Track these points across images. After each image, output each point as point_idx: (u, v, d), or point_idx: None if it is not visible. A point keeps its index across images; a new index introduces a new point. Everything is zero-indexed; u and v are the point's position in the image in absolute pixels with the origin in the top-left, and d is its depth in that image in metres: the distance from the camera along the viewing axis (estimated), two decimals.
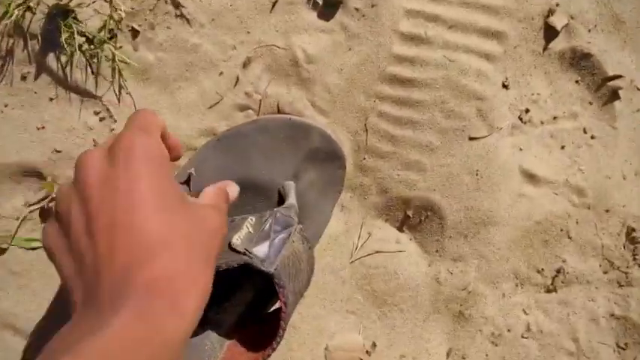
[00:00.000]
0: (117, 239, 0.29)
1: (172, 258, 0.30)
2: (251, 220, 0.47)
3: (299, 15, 0.52)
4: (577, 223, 0.56)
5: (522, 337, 0.56)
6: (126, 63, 0.51)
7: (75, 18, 0.49)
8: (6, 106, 0.51)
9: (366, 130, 0.54)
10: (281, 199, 0.51)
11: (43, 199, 0.53)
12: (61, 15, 0.49)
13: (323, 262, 0.55)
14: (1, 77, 0.51)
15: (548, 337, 0.56)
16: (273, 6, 0.52)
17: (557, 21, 0.54)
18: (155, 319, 0.28)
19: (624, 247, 0.56)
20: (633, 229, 0.56)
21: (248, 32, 0.52)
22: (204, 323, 0.48)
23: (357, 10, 0.52)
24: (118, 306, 0.27)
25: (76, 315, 0.29)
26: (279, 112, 0.54)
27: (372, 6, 0.52)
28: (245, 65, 0.53)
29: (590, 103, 0.56)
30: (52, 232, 0.33)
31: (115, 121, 0.52)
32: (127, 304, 0.27)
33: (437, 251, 0.56)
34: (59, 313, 0.53)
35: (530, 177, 0.55)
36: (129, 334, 0.27)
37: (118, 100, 0.52)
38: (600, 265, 0.57)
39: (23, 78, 0.51)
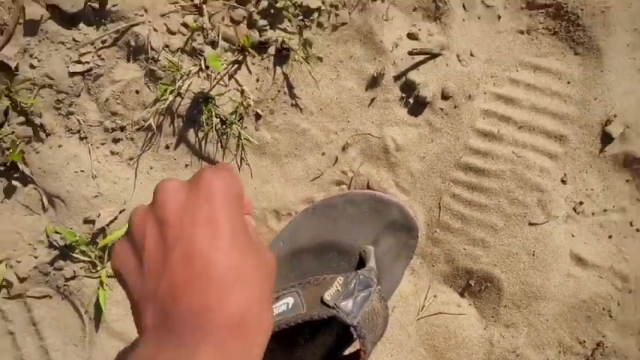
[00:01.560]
0: (195, 271, 0.30)
1: (247, 295, 0.30)
2: (340, 279, 0.57)
3: (392, 110, 0.63)
4: (618, 304, 0.64)
5: None
6: (249, 141, 0.62)
7: (214, 103, 0.61)
8: (151, 168, 0.64)
9: (440, 208, 0.64)
10: (361, 261, 0.60)
11: None
12: (203, 101, 0.61)
13: (392, 317, 0.65)
14: (150, 145, 0.63)
15: None
16: (372, 101, 0.63)
17: (614, 129, 0.62)
18: (231, 355, 0.29)
19: None
20: None
21: (348, 121, 0.63)
22: None
23: (441, 109, 0.62)
24: (198, 341, 0.28)
25: (150, 338, 0.30)
26: (368, 188, 0.64)
27: (455, 107, 0.62)
28: (344, 148, 0.63)
29: (639, 200, 0.64)
30: (122, 251, 0.33)
31: None
32: (207, 340, 0.29)
33: (492, 317, 0.64)
34: None
35: (579, 260, 0.64)
36: None
37: (239, 168, 0.63)
38: (637, 344, 0.64)
39: (167, 147, 0.63)
